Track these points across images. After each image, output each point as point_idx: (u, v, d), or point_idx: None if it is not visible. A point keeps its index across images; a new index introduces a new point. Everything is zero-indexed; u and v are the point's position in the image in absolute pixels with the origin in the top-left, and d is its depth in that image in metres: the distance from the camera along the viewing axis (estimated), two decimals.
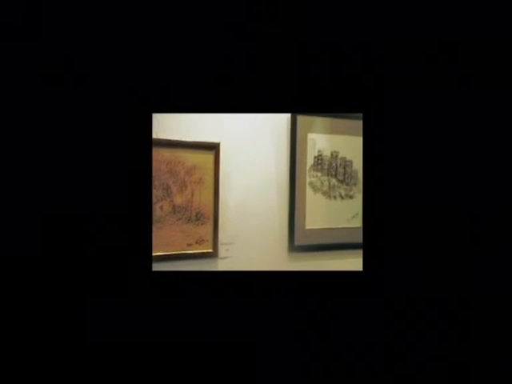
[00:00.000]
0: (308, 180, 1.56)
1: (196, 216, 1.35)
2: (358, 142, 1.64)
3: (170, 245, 1.32)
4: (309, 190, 1.56)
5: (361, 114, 1.57)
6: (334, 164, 1.61)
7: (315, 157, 1.57)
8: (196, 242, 1.35)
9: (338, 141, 1.61)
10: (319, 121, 1.57)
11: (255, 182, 1.48)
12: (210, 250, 1.38)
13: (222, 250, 1.41)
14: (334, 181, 1.62)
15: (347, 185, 1.64)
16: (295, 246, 1.53)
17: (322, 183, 1.59)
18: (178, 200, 1.33)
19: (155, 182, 1.30)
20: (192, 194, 1.35)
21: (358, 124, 1.64)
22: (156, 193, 1.30)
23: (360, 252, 1.68)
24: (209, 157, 1.37)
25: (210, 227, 1.38)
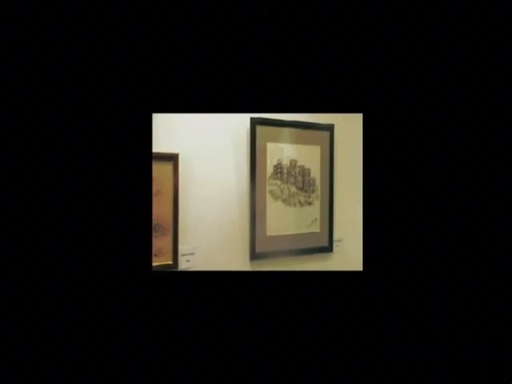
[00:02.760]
0: (268, 188, 1.58)
1: (154, 228, 1.33)
2: (316, 150, 1.69)
3: None
4: (269, 198, 1.58)
5: (316, 125, 1.66)
6: (292, 172, 1.64)
7: (275, 166, 1.59)
8: (155, 255, 1.34)
9: (296, 150, 1.64)
10: (278, 131, 1.59)
11: (215, 192, 1.48)
12: (170, 262, 1.37)
13: (183, 261, 1.40)
14: (293, 188, 1.64)
15: (306, 192, 1.68)
16: (256, 254, 1.55)
17: (281, 191, 1.61)
18: None
19: None
20: None
21: (315, 134, 1.68)
22: None
23: (320, 256, 1.73)
24: (167, 167, 1.36)
25: (169, 239, 1.36)
